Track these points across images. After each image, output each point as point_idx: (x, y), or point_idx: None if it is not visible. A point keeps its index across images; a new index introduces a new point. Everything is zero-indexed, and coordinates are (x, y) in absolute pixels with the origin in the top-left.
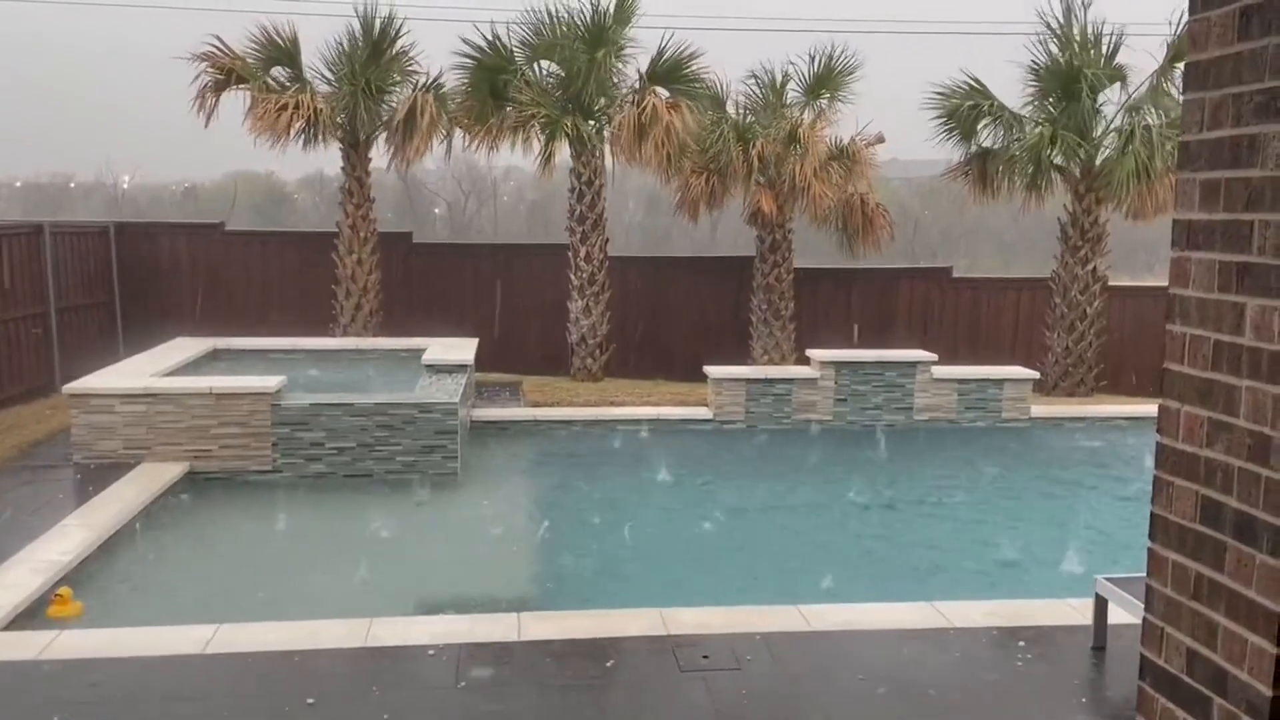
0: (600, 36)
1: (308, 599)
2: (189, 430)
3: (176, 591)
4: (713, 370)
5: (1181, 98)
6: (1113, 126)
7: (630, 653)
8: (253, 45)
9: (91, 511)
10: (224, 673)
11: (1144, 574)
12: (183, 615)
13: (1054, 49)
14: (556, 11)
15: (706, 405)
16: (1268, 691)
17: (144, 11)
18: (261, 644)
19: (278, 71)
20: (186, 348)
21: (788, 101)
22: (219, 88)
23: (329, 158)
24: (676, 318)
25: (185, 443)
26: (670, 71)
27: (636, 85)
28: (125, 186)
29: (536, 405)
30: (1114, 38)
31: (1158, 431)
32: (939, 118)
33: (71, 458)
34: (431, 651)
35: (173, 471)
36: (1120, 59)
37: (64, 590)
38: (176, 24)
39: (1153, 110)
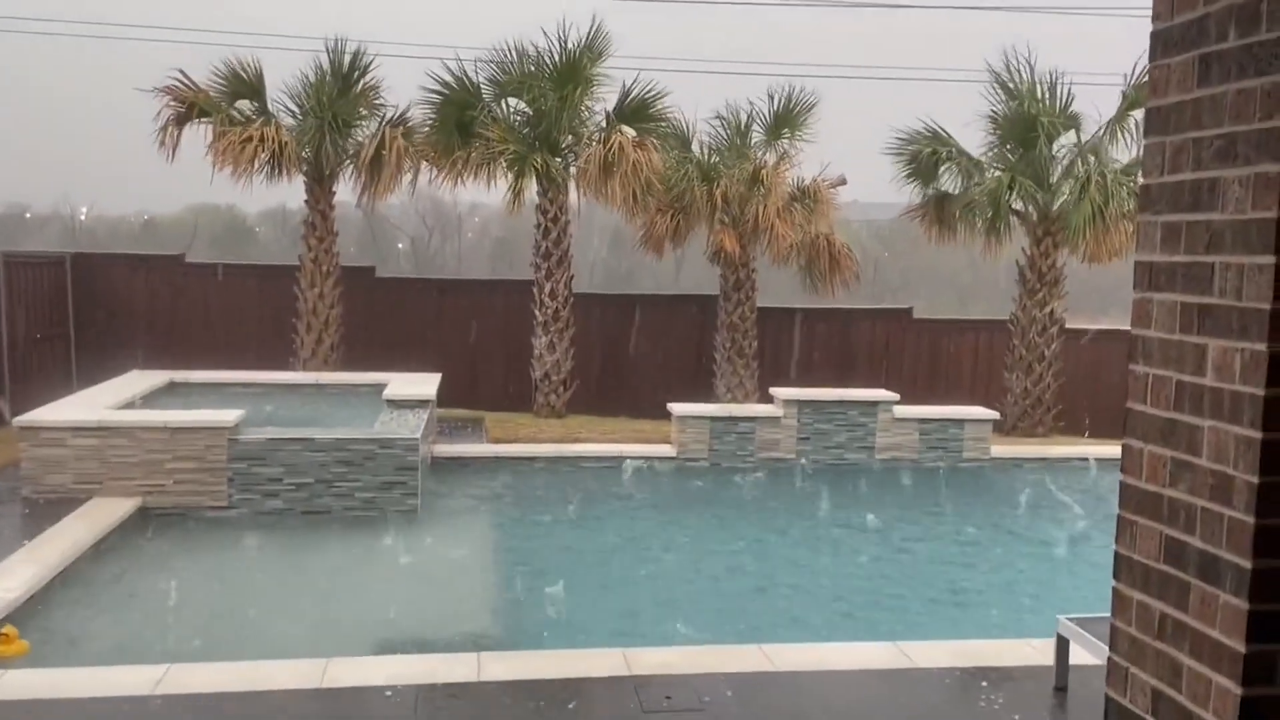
0: (569, 75)
1: (260, 638)
2: (142, 465)
3: (126, 630)
4: (676, 408)
5: (1143, 142)
6: (1068, 173)
7: (592, 693)
8: (217, 78)
9: (39, 547)
10: (175, 714)
11: (1106, 614)
12: (132, 655)
13: (1007, 99)
14: (525, 49)
15: (670, 443)
16: None
17: (103, 41)
18: (214, 685)
19: (243, 104)
20: (142, 380)
21: (751, 142)
22: (181, 121)
23: (292, 191)
24: (640, 355)
25: (138, 477)
26: (637, 111)
27: (603, 123)
28: (83, 218)
29: (498, 441)
30: (1067, 87)
31: (1121, 471)
32: (900, 161)
33: (20, 492)
34: (389, 693)
35: (124, 507)
36: (1076, 106)
37: (9, 629)
38: (137, 54)
39: (1106, 156)
